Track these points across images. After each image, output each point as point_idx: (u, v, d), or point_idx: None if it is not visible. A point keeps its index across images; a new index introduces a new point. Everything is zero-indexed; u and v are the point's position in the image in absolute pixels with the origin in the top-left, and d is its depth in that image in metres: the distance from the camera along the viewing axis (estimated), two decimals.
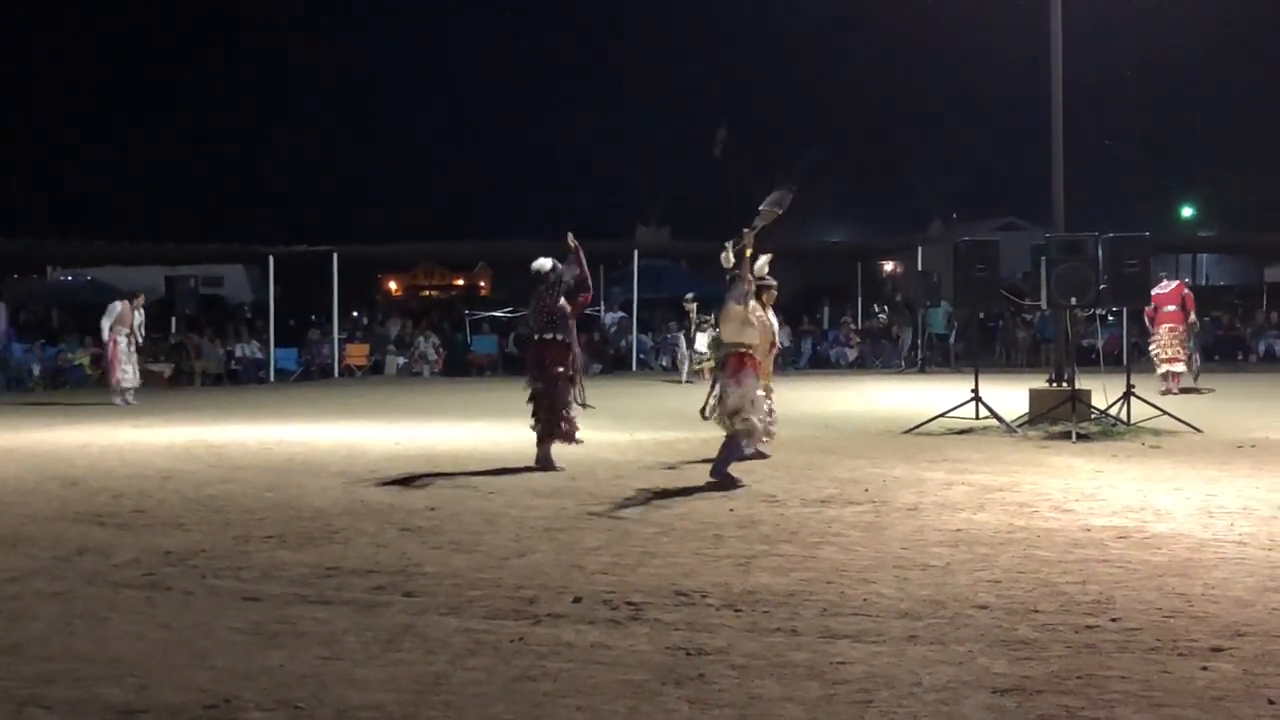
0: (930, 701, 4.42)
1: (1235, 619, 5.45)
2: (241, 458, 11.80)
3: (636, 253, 30.82)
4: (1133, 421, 13.34)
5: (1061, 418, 13.17)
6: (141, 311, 19.55)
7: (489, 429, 14.12)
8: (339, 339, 27.52)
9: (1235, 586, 6.06)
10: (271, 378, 25.87)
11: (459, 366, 27.57)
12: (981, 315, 24.83)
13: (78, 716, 4.40)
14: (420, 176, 57.26)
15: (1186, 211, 48.08)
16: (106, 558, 7.07)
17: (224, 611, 5.82)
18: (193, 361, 24.84)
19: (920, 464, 10.77)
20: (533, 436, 10.71)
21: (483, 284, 53.77)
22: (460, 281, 56.95)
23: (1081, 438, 12.39)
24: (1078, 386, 13.53)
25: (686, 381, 22.70)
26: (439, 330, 29.39)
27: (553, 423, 10.56)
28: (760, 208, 10.16)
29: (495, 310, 31.84)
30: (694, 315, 23.28)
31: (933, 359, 27.44)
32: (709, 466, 9.84)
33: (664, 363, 27.97)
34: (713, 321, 19.03)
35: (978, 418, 13.80)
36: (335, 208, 49.37)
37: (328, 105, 54.85)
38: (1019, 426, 13.35)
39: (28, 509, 8.88)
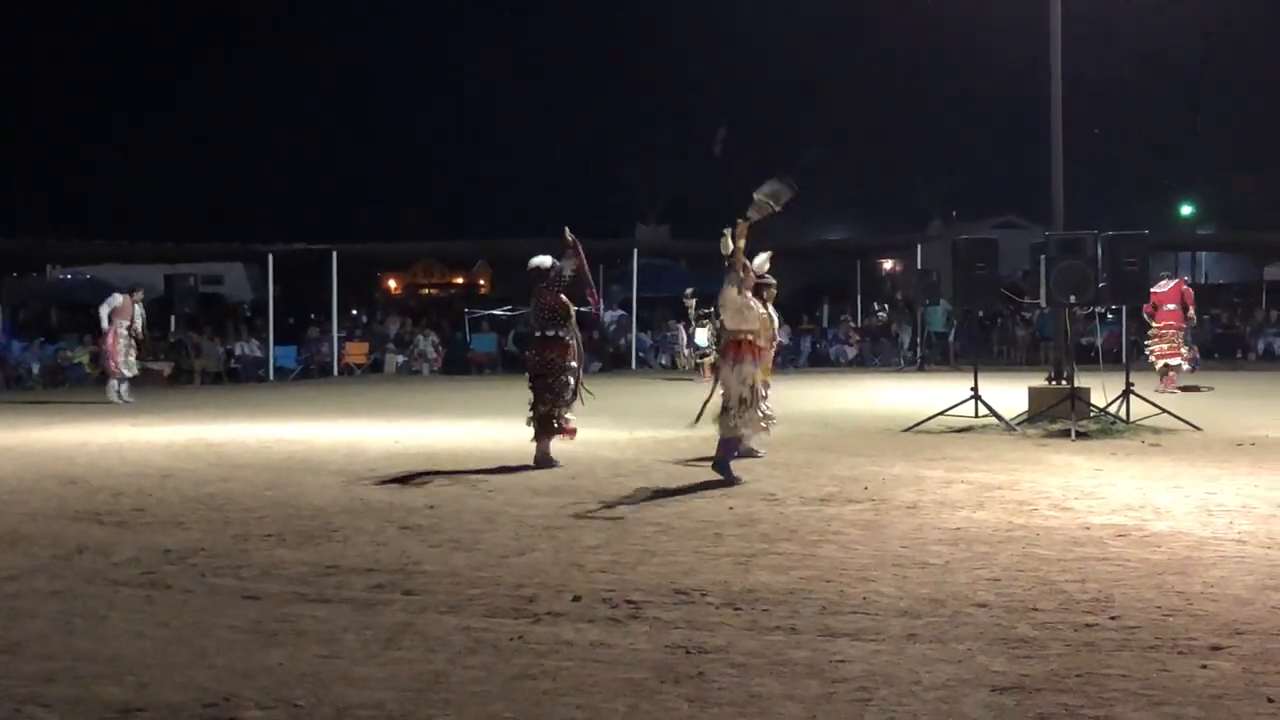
0: (929, 700, 4.42)
1: (1234, 617, 5.44)
2: (241, 456, 11.80)
3: (636, 251, 30.82)
4: (1132, 419, 13.34)
5: (1061, 416, 13.17)
6: (141, 307, 19.54)
7: (488, 427, 14.12)
8: (338, 337, 27.52)
9: (1234, 585, 6.06)
10: (271, 376, 25.87)
11: (458, 365, 27.58)
12: (980, 314, 24.84)
13: (77, 715, 4.40)
14: (420, 175, 57.35)
15: (1186, 210, 48.09)
16: (106, 556, 7.07)
17: (223, 610, 5.82)
18: (192, 360, 24.84)
19: (919, 462, 10.77)
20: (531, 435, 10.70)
21: (482, 282, 53.79)
22: (459, 280, 56.99)
23: (1081, 436, 12.39)
24: (1077, 384, 13.53)
25: (685, 369, 22.74)
26: (438, 328, 29.39)
27: (550, 420, 10.54)
28: (755, 195, 10.10)
29: (494, 308, 31.85)
30: (693, 311, 23.31)
31: (932, 357, 27.44)
32: (709, 464, 9.85)
33: (663, 361, 27.98)
34: (713, 314, 19.02)
35: (977, 416, 13.81)
36: (334, 206, 49.40)
37: (327, 104, 54.91)
38: (1018, 424, 13.35)
39: (27, 507, 8.87)
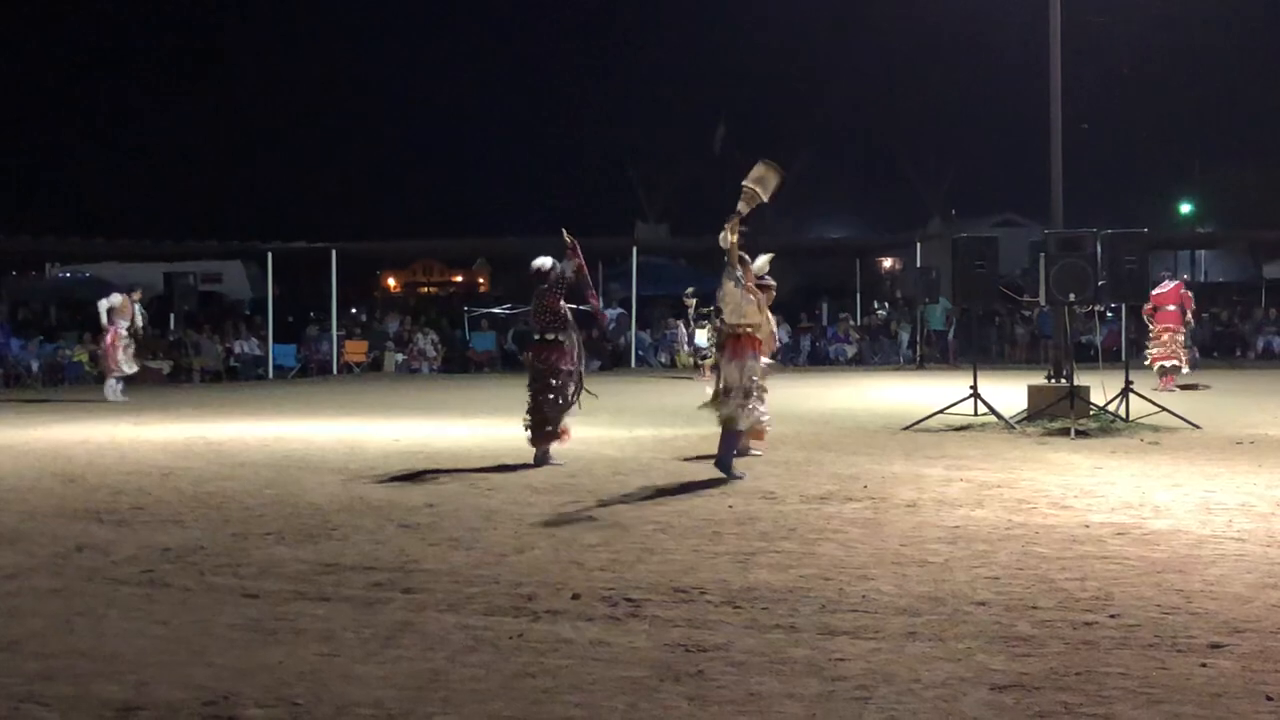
0: (929, 698, 4.42)
1: (1234, 616, 5.45)
2: (240, 454, 11.80)
3: (635, 249, 30.81)
4: (1131, 418, 13.34)
5: (1060, 414, 13.17)
6: (140, 307, 19.54)
7: (488, 426, 14.11)
8: (337, 336, 27.50)
9: (1234, 583, 6.06)
10: (270, 374, 25.87)
11: (458, 363, 27.57)
12: (980, 313, 24.82)
13: (76, 714, 4.40)
14: (419, 174, 57.31)
15: (1185, 208, 48.10)
16: (105, 555, 7.06)
17: (223, 608, 5.82)
18: (191, 358, 24.84)
19: (919, 460, 10.77)
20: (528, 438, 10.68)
21: (481, 281, 53.78)
22: (459, 278, 56.99)
23: (1080, 434, 12.40)
24: (1076, 383, 13.53)
25: (684, 367, 22.76)
26: (438, 327, 29.38)
27: (549, 421, 10.52)
28: (743, 184, 10.06)
29: (494, 307, 31.84)
30: (693, 310, 23.31)
31: (931, 356, 27.44)
32: (708, 463, 9.86)
33: (663, 359, 27.98)
34: (712, 314, 19.00)
35: (976, 414, 13.80)
36: (334, 204, 49.37)
37: (327, 103, 54.84)
38: (1018, 423, 13.35)
39: (26, 505, 8.87)
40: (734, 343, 9.82)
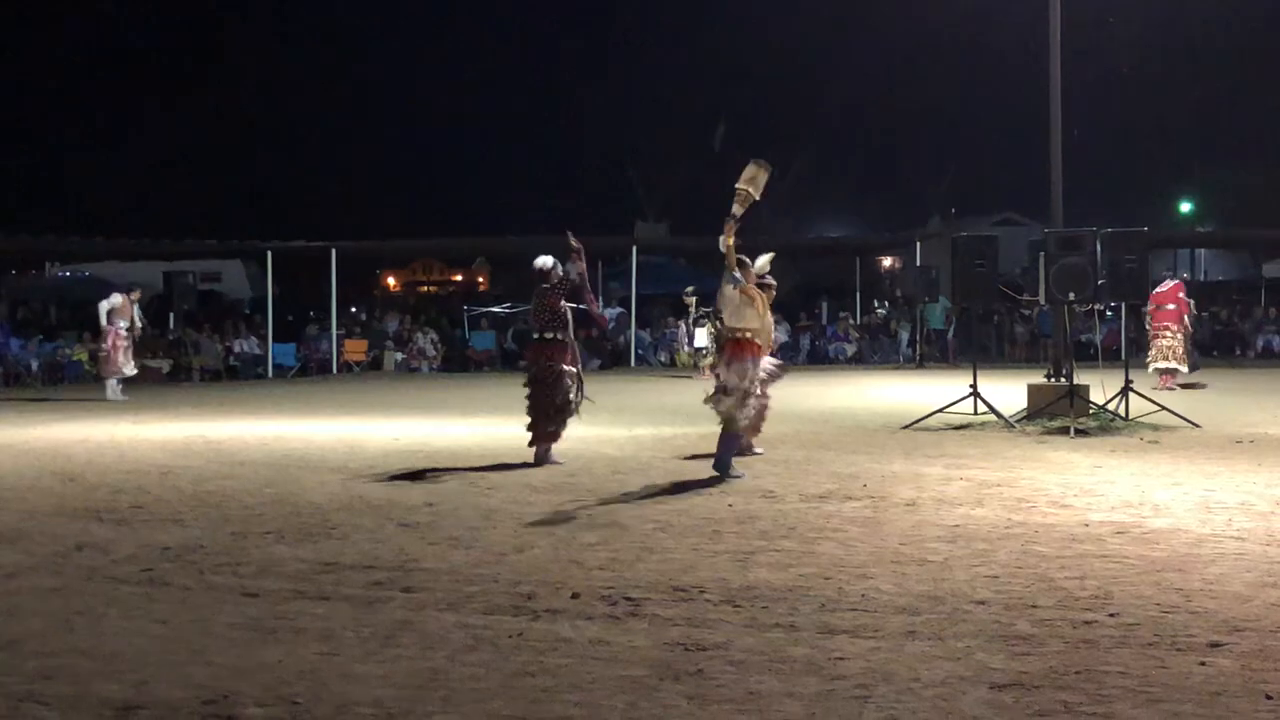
0: (928, 697, 4.42)
1: (1233, 614, 5.45)
2: (240, 453, 11.80)
3: (635, 248, 30.80)
4: (1131, 416, 13.34)
5: (1060, 413, 13.17)
6: (139, 307, 19.54)
7: (487, 425, 14.11)
8: (337, 335, 27.49)
9: (1233, 582, 6.06)
10: (270, 374, 25.87)
11: (457, 362, 27.57)
12: (979, 311, 24.81)
13: (76, 712, 4.40)
14: (418, 173, 57.29)
15: (1185, 207, 48.11)
16: (105, 553, 7.06)
17: (222, 607, 5.82)
18: (191, 357, 24.83)
19: (918, 459, 10.77)
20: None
21: (481, 280, 53.73)
22: (458, 277, 56.92)
23: (1080, 433, 12.40)
24: (1076, 381, 13.53)
25: (684, 366, 22.79)
26: (437, 326, 29.38)
27: (549, 421, 10.51)
28: (736, 186, 10.09)
29: (493, 306, 31.83)
30: (693, 309, 23.32)
31: (931, 354, 27.44)
32: (707, 462, 9.86)
33: (662, 358, 27.98)
34: (712, 314, 18.99)
35: (976, 413, 13.80)
36: (333, 203, 49.34)
37: (326, 102, 54.83)
38: (1017, 422, 13.35)
39: (25, 504, 8.87)
40: (733, 346, 9.82)
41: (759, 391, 10.17)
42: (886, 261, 42.67)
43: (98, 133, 50.37)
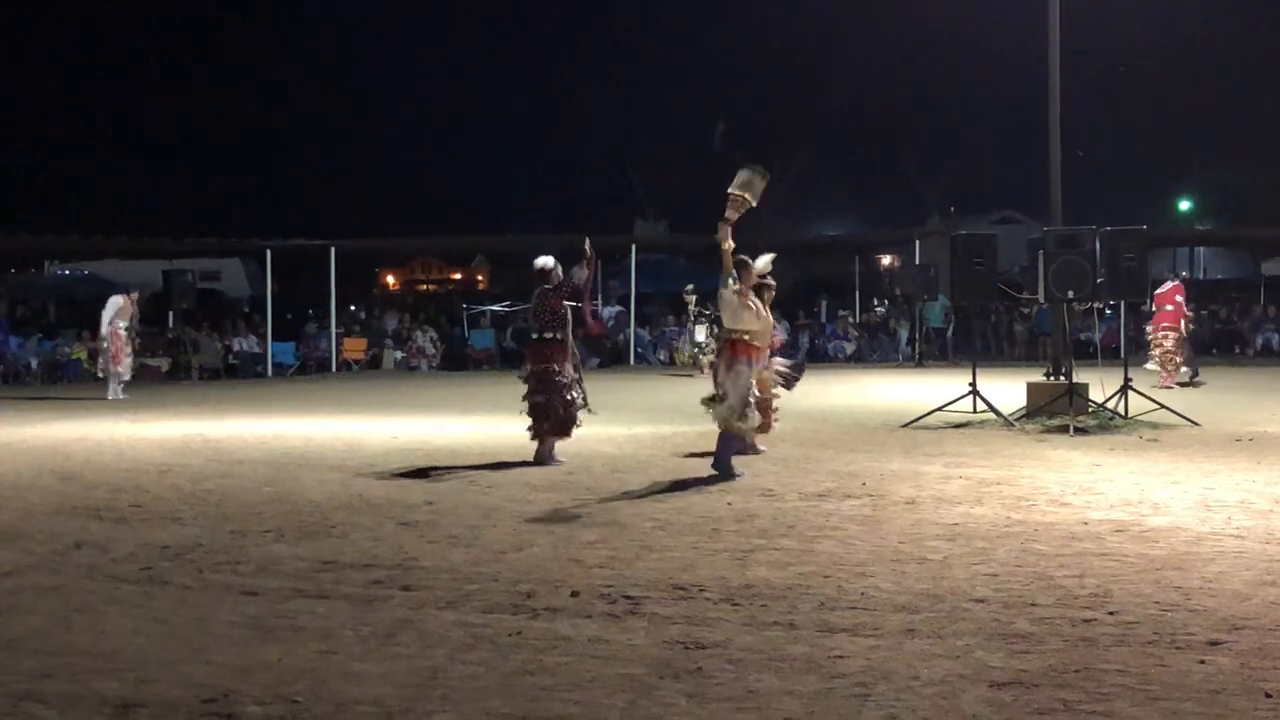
0: (928, 695, 4.42)
1: (1233, 613, 5.45)
2: (239, 452, 11.80)
3: (635, 247, 30.80)
4: (1130, 415, 13.34)
5: (1059, 411, 13.18)
6: (136, 307, 19.55)
7: (487, 423, 14.11)
8: (336, 333, 27.50)
9: (1233, 580, 6.06)
10: (269, 372, 25.86)
11: (457, 361, 27.56)
12: (975, 310, 24.80)
13: (75, 711, 4.40)
14: (418, 171, 57.30)
15: (1184, 205, 48.11)
16: (104, 552, 7.06)
17: (221, 606, 5.82)
18: (190, 356, 24.82)
19: (918, 458, 10.77)
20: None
21: (480, 278, 53.73)
22: (458, 276, 56.93)
23: (1079, 431, 12.40)
24: (1075, 380, 13.53)
25: (683, 364, 22.81)
26: (436, 325, 29.38)
27: (548, 420, 10.49)
28: (729, 191, 10.10)
29: (493, 304, 31.82)
30: (693, 308, 23.34)
31: (930, 353, 27.44)
32: (707, 461, 9.86)
33: (661, 357, 27.98)
34: (711, 315, 18.99)
35: (975, 411, 13.81)
36: (333, 202, 49.37)
37: (326, 100, 54.85)
38: (1016, 420, 13.36)
39: (25, 503, 8.87)
40: (731, 348, 9.83)
41: (760, 393, 10.17)
42: (886, 260, 42.65)
43: (97, 131, 50.42)
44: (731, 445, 9.82)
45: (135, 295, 19.57)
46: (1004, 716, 4.22)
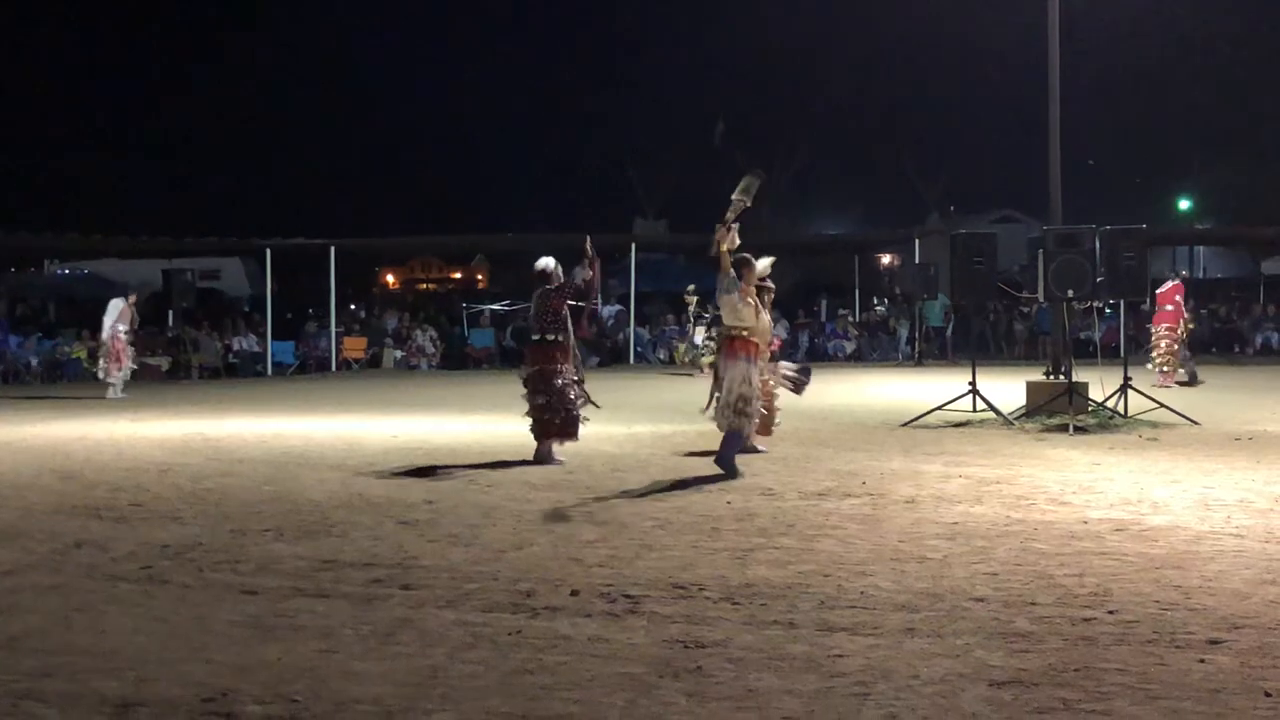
0: (927, 694, 4.42)
1: (1232, 611, 5.45)
2: (239, 451, 11.80)
3: (634, 246, 30.80)
4: (1130, 414, 13.34)
5: (1059, 410, 13.18)
6: (135, 309, 19.55)
7: (486, 422, 14.12)
8: (336, 332, 27.49)
9: (1232, 579, 6.06)
10: (269, 371, 25.86)
11: (456, 360, 27.56)
12: (974, 310, 24.80)
13: (75, 710, 4.40)
14: (418, 170, 57.28)
15: (1184, 204, 48.11)
16: (104, 551, 7.06)
17: (221, 605, 5.82)
18: (190, 355, 24.82)
19: (917, 457, 10.78)
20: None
21: (480, 277, 53.70)
22: (457, 275, 56.89)
23: (1079, 430, 12.40)
24: (1075, 379, 13.53)
25: (683, 364, 22.87)
26: (436, 324, 29.37)
27: (551, 421, 10.49)
28: (733, 196, 10.16)
29: (493, 303, 31.82)
30: (694, 307, 23.35)
31: (930, 352, 27.44)
32: (706, 460, 9.87)
33: (661, 356, 27.98)
34: (710, 316, 19.00)
35: (975, 410, 13.81)
36: (332, 201, 49.35)
37: (326, 99, 54.82)
38: (1016, 419, 13.36)
39: (24, 502, 8.87)
40: (730, 345, 9.87)
41: (761, 391, 10.18)
42: (885, 259, 42.67)
43: (97, 130, 50.40)
44: (736, 443, 9.84)
45: (134, 299, 19.57)
46: (1004, 715, 4.23)
